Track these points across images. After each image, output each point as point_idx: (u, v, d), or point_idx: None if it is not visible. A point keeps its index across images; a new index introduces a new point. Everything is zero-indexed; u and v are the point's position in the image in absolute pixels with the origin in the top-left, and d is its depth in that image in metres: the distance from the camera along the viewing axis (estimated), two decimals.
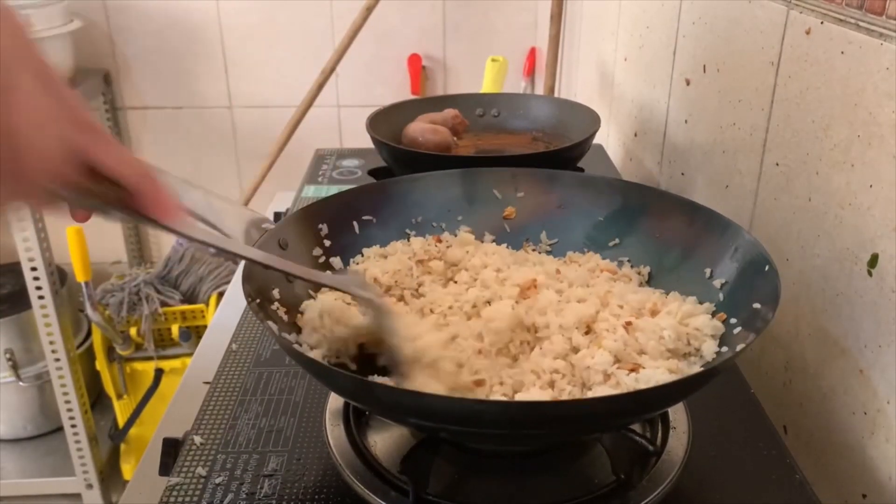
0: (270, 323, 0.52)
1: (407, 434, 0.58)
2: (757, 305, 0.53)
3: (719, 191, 0.84)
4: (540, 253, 0.69)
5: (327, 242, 0.65)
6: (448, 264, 0.66)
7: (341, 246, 0.66)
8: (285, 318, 0.56)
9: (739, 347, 0.49)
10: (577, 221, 0.69)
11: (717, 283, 0.58)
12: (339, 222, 0.66)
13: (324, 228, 0.65)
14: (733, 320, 0.55)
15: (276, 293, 0.57)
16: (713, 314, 0.57)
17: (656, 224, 0.65)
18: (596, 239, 0.68)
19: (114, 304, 1.74)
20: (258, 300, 0.54)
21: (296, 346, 0.52)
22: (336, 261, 0.65)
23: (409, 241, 0.68)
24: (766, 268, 0.54)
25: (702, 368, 0.52)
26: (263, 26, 2.01)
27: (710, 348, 0.54)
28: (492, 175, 0.72)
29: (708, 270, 0.59)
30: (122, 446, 1.86)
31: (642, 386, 0.50)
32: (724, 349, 0.53)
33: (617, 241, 0.67)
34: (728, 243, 0.59)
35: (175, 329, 1.76)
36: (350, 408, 0.61)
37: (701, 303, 0.58)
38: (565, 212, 0.70)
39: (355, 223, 0.68)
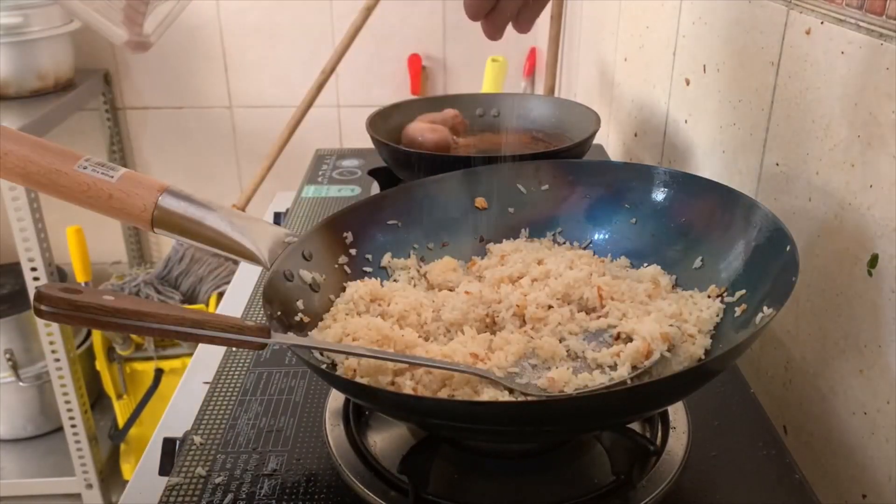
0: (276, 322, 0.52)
1: (407, 434, 0.58)
2: (766, 307, 0.53)
3: None
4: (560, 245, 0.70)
5: (353, 251, 0.65)
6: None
7: (368, 252, 0.66)
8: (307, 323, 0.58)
9: (743, 334, 0.49)
10: (605, 214, 0.69)
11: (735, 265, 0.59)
12: (364, 229, 0.66)
13: (349, 237, 0.65)
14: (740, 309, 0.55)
15: (300, 304, 0.58)
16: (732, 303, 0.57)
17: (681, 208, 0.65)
18: (627, 235, 0.68)
19: None
20: (279, 313, 0.55)
21: (296, 346, 0.52)
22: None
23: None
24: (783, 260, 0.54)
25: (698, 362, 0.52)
26: (263, 26, 2.01)
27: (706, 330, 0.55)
28: (514, 169, 0.72)
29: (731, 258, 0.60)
30: (122, 446, 1.86)
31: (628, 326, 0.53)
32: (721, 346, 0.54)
33: (634, 220, 0.67)
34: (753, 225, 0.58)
35: None
36: (350, 408, 0.61)
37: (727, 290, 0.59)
38: (591, 202, 0.70)
39: (380, 229, 0.68)
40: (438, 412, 0.47)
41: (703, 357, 0.54)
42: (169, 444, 0.65)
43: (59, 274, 1.77)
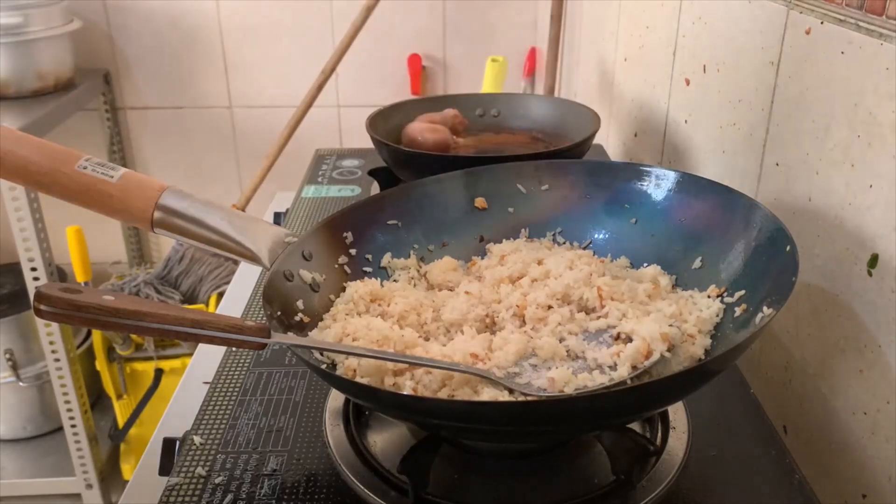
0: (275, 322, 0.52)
1: (407, 434, 0.58)
2: (766, 307, 0.53)
3: None
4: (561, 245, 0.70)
5: (353, 251, 0.65)
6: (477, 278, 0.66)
7: (368, 252, 0.66)
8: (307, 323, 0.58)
9: (743, 333, 0.49)
10: (605, 214, 0.69)
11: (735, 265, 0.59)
12: (364, 229, 0.66)
13: (349, 237, 0.65)
14: (739, 308, 0.55)
15: (300, 304, 0.58)
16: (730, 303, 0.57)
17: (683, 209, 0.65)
18: (626, 235, 0.68)
19: None
20: (279, 313, 0.55)
21: (296, 346, 0.52)
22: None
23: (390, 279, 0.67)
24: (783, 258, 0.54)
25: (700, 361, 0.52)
26: (263, 26, 2.01)
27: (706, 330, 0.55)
28: (514, 169, 0.72)
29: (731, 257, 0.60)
30: (122, 446, 1.86)
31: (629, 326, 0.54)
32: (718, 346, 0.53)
33: (634, 220, 0.67)
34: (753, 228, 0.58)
35: None
36: (350, 408, 0.61)
37: (726, 292, 0.58)
38: (591, 202, 0.70)
39: (380, 229, 0.68)
40: (438, 412, 0.47)
41: (703, 357, 0.54)
42: (169, 444, 0.65)
43: (59, 274, 1.77)
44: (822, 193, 0.62)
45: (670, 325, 0.55)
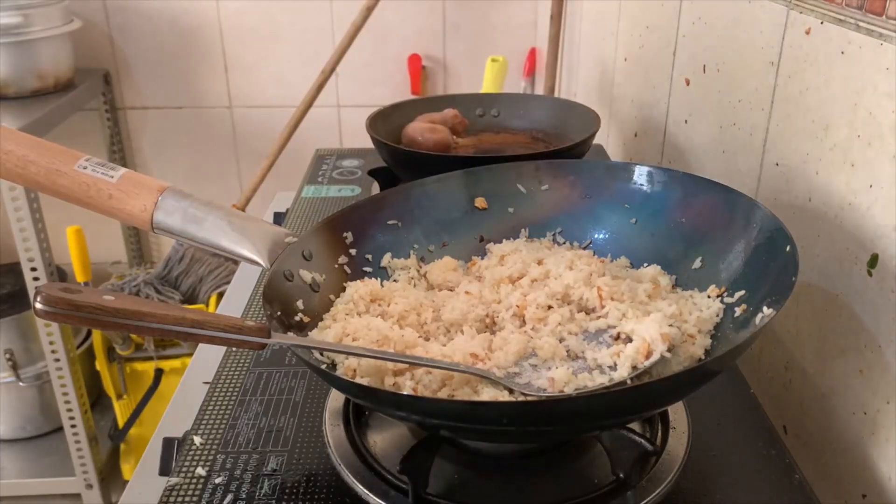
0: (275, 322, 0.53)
1: (407, 434, 0.58)
2: (766, 307, 0.53)
3: None
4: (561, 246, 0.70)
5: (353, 251, 0.65)
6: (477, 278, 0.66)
7: (368, 252, 0.66)
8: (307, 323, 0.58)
9: (744, 334, 0.49)
10: (605, 214, 0.69)
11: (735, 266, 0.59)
12: (364, 229, 0.66)
13: (349, 237, 0.65)
14: (740, 308, 0.55)
15: (300, 304, 0.58)
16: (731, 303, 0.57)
17: (683, 209, 0.65)
18: (625, 234, 0.68)
19: None
20: (279, 313, 0.55)
21: (296, 346, 0.52)
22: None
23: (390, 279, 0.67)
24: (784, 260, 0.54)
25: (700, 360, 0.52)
26: (263, 26, 2.01)
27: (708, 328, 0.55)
28: (514, 169, 0.72)
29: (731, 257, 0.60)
30: (122, 446, 1.86)
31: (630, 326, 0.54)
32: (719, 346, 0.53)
33: (634, 220, 0.67)
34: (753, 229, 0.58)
35: None
36: (350, 408, 0.61)
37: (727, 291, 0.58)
38: (591, 202, 0.70)
39: (380, 229, 0.68)
40: (438, 412, 0.47)
41: (703, 357, 0.54)
42: (169, 444, 0.65)
43: (59, 274, 1.77)
44: (822, 193, 0.62)
45: (670, 325, 0.55)
